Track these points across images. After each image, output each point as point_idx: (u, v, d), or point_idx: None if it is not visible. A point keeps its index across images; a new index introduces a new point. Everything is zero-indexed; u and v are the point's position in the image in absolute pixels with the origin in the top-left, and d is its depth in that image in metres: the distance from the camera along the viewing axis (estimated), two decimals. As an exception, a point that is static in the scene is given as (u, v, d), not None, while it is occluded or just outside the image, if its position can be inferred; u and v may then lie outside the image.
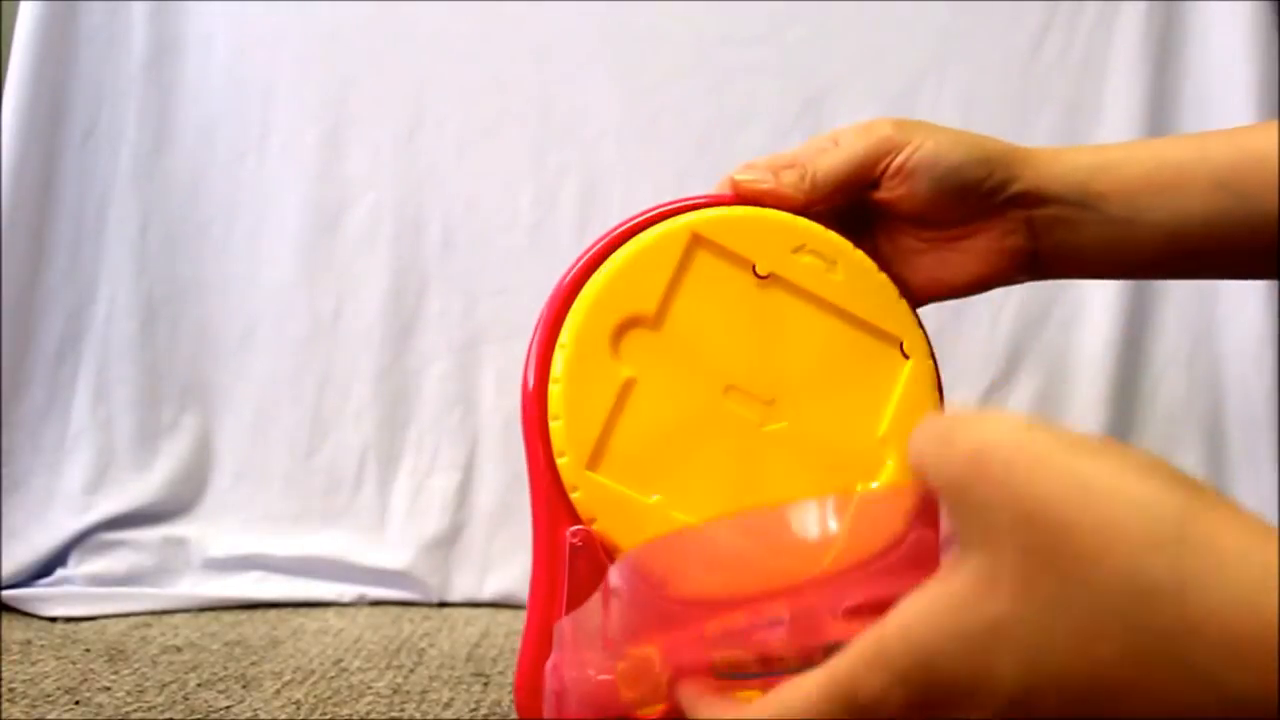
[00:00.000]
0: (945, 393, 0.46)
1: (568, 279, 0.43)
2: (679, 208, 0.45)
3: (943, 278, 0.48)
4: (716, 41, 0.82)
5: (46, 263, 0.79)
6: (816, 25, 0.82)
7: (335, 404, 0.81)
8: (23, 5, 0.78)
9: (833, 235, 0.46)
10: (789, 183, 0.45)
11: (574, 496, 0.41)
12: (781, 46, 0.82)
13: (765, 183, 0.45)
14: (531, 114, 0.82)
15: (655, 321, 0.43)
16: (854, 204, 0.47)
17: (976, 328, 0.79)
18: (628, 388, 0.42)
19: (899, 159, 0.45)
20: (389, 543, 0.79)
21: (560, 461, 0.41)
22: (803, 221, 0.46)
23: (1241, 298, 0.77)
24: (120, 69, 0.81)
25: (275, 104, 0.83)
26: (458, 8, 0.83)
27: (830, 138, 0.47)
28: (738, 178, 0.45)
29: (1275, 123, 0.45)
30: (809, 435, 0.43)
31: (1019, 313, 0.80)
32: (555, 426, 0.41)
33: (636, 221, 0.44)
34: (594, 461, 0.41)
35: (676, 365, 0.43)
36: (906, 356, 0.45)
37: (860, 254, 0.45)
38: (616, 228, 0.44)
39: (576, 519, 0.40)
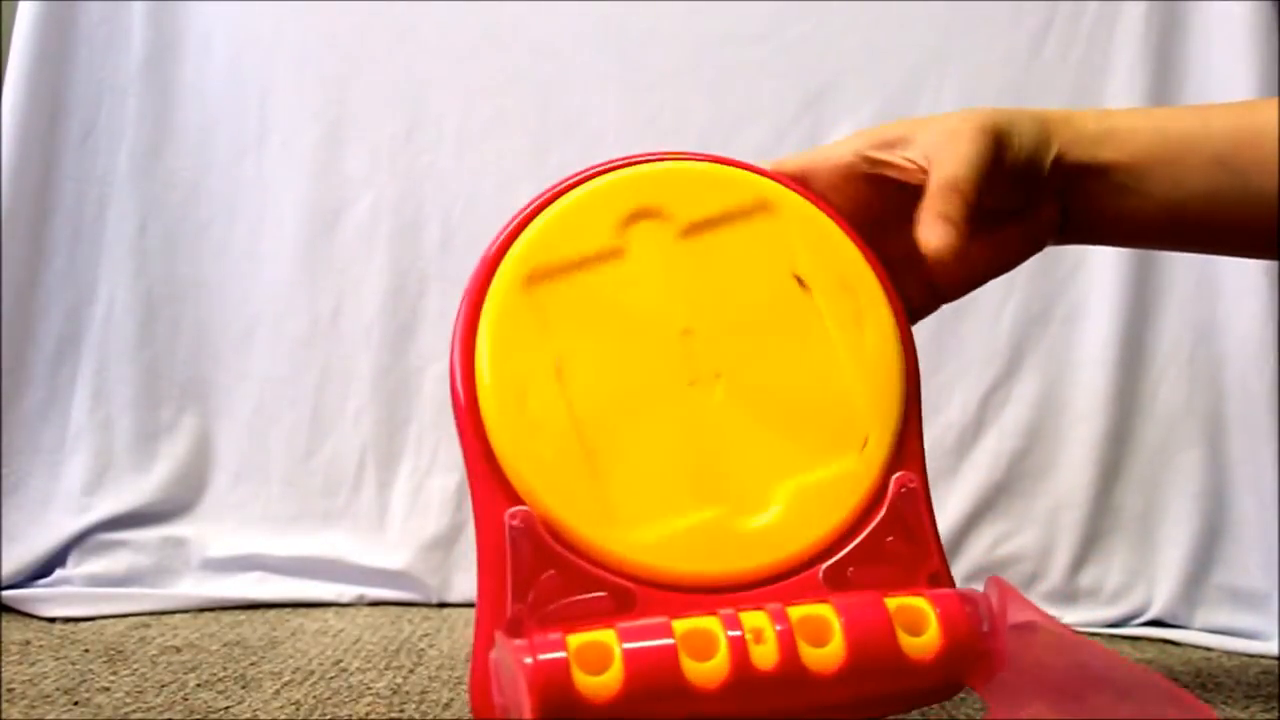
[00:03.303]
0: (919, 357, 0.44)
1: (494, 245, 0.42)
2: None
3: (993, 262, 0.47)
4: (716, 41, 0.82)
5: (45, 263, 0.79)
6: (816, 24, 0.82)
7: (334, 404, 0.81)
8: (21, 5, 0.78)
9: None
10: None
11: (510, 476, 0.39)
12: (781, 45, 0.82)
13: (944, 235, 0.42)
14: (531, 114, 0.82)
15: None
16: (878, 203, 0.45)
17: (977, 327, 0.79)
18: (560, 362, 0.40)
19: (1013, 154, 0.43)
20: (388, 543, 0.79)
21: (492, 440, 0.39)
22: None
23: (1242, 297, 0.76)
24: (119, 69, 0.81)
25: (274, 103, 0.83)
26: (458, 8, 0.83)
27: (889, 138, 0.44)
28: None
29: (1277, 99, 0.45)
30: (763, 399, 0.41)
31: (1020, 311, 0.80)
32: (485, 405, 0.39)
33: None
34: (527, 438, 0.39)
35: (611, 335, 0.41)
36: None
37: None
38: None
39: (516, 499, 0.38)
